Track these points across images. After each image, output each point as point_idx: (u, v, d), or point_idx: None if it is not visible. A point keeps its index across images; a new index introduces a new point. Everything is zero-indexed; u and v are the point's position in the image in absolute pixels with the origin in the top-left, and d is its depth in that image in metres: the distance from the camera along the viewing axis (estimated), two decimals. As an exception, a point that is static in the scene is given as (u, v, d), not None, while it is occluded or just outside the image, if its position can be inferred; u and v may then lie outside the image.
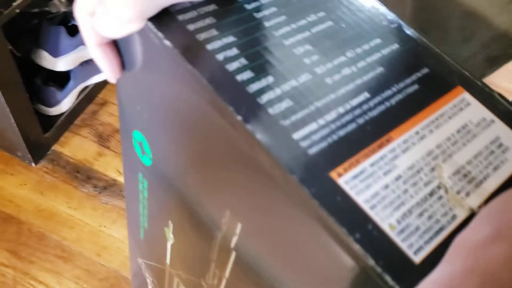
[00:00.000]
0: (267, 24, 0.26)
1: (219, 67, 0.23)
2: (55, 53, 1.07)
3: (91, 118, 1.28)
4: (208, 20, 0.25)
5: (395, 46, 0.27)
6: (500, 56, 0.58)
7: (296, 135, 0.22)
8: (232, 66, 0.24)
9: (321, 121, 0.23)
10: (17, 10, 0.89)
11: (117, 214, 1.14)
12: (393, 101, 0.24)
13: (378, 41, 0.27)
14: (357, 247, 0.19)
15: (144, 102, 0.31)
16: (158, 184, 0.37)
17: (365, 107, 0.23)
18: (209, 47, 0.24)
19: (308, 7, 0.27)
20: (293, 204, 0.21)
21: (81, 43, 1.12)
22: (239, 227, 0.27)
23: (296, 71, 0.24)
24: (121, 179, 1.19)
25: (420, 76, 0.25)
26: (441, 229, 0.20)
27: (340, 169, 0.21)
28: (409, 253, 0.19)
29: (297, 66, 0.24)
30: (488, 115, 0.25)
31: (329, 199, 0.20)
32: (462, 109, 0.25)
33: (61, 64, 1.09)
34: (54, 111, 1.17)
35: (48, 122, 1.17)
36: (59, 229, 1.10)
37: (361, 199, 0.20)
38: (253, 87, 0.23)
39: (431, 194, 0.21)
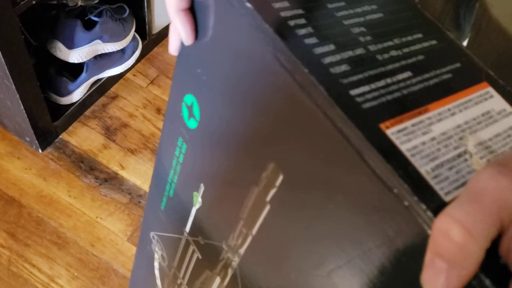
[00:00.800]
0: (329, 5, 0.31)
1: (290, 30, 0.28)
2: (70, 45, 1.10)
3: (101, 111, 1.30)
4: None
5: (434, 42, 0.31)
6: None
7: (353, 92, 0.26)
8: (301, 32, 0.28)
9: (373, 86, 0.26)
10: (34, 1, 0.92)
11: (114, 207, 1.16)
12: (430, 82, 0.28)
13: (420, 35, 0.31)
14: (400, 181, 0.23)
15: (207, 65, 0.35)
16: (199, 147, 0.40)
17: (408, 82, 0.28)
18: (283, 14, 0.29)
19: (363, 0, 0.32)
20: (345, 147, 0.25)
21: (97, 37, 1.15)
22: (280, 179, 0.31)
23: (353, 45, 0.28)
24: (122, 173, 1.21)
25: (453, 68, 0.30)
26: (465, 183, 0.24)
27: (387, 123, 0.25)
28: (441, 193, 0.23)
29: (353, 41, 0.29)
30: (508, 107, 0.29)
31: (378, 144, 0.24)
32: (487, 99, 0.29)
33: (74, 56, 1.12)
34: (65, 100, 1.20)
35: (58, 110, 1.21)
36: (57, 215, 1.13)
37: (404, 148, 0.24)
38: (318, 50, 0.27)
39: (459, 155, 0.25)
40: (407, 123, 0.25)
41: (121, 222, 1.14)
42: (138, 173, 1.22)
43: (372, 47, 0.29)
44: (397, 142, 0.24)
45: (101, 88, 1.30)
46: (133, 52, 1.31)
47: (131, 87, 1.37)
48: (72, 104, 1.23)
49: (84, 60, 1.15)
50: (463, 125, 0.27)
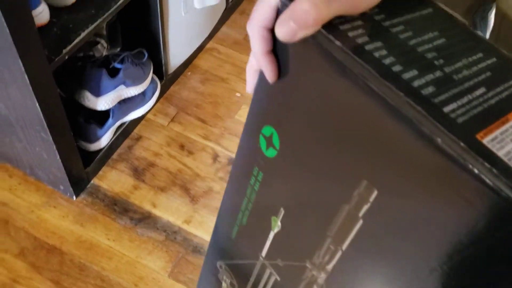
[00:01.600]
0: (401, 36, 0.34)
1: (377, 62, 0.31)
2: (97, 93, 1.15)
3: (127, 153, 1.34)
4: (360, 30, 0.34)
5: (494, 59, 0.35)
6: None
7: (446, 109, 0.29)
8: (386, 61, 0.32)
9: (459, 103, 0.30)
10: (67, 56, 0.96)
11: (152, 245, 1.19)
12: (503, 95, 0.32)
13: (481, 54, 0.35)
14: (504, 181, 0.26)
15: (288, 99, 0.39)
16: (277, 174, 0.43)
17: (485, 97, 0.31)
18: (367, 47, 0.32)
19: (424, 28, 0.36)
20: (444, 162, 0.28)
21: (120, 82, 1.20)
22: (374, 195, 0.34)
23: (431, 68, 0.32)
24: (155, 211, 1.24)
25: None
26: None
27: (481, 133, 0.29)
28: None
29: (430, 65, 0.33)
30: None
31: (481, 152, 0.27)
32: None
33: (101, 103, 1.16)
34: (94, 147, 1.24)
35: (88, 157, 1.24)
36: (99, 259, 1.16)
37: (501, 154, 0.28)
38: (406, 76, 0.31)
39: None
40: (497, 132, 0.29)
41: (161, 259, 1.17)
42: (170, 210, 1.25)
43: (447, 69, 0.32)
44: (494, 149, 0.28)
45: (125, 131, 1.35)
46: (153, 93, 1.36)
47: (153, 127, 1.41)
48: (101, 149, 1.26)
49: (111, 106, 1.19)
50: None
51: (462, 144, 0.27)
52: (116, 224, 1.22)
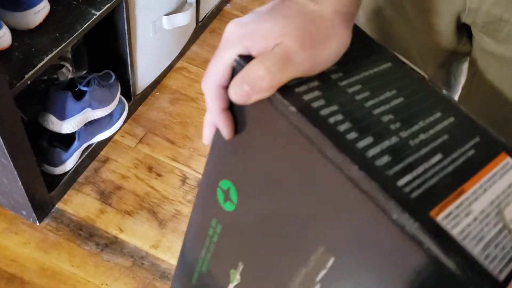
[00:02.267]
0: (357, 97, 0.33)
1: (332, 128, 0.30)
2: (62, 117, 1.12)
3: (94, 176, 1.31)
4: (316, 93, 0.33)
5: (452, 119, 0.34)
6: None
7: (400, 183, 0.28)
8: (341, 128, 0.30)
9: (415, 173, 0.29)
10: (29, 81, 0.94)
11: (118, 271, 1.16)
12: (459, 161, 0.31)
13: (439, 114, 0.34)
14: (462, 267, 0.25)
15: (243, 157, 0.37)
16: (236, 228, 0.42)
17: (441, 165, 0.30)
18: (322, 112, 0.31)
19: (383, 86, 0.35)
20: (399, 237, 0.27)
21: (87, 105, 1.17)
22: (331, 261, 0.33)
23: (387, 134, 0.31)
24: (122, 236, 1.22)
25: (474, 144, 0.33)
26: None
27: (436, 209, 0.27)
28: (495, 273, 0.26)
29: (386, 131, 0.31)
30: None
31: (434, 233, 0.26)
32: (508, 171, 0.32)
33: (66, 127, 1.14)
34: (59, 170, 1.21)
35: (52, 180, 1.21)
36: (62, 287, 1.12)
37: (455, 232, 0.27)
38: (360, 144, 0.30)
39: (500, 232, 0.28)
40: (451, 207, 0.28)
41: (127, 286, 1.14)
42: (137, 235, 1.23)
43: (403, 134, 0.31)
44: (448, 227, 0.27)
45: (92, 153, 1.32)
46: (121, 115, 1.33)
47: (120, 149, 1.38)
48: (66, 173, 1.23)
49: (76, 129, 1.17)
50: (495, 200, 0.30)
51: (415, 224, 0.26)
52: (81, 249, 1.18)
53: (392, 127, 0.32)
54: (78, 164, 1.27)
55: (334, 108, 0.32)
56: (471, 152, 0.32)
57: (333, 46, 0.34)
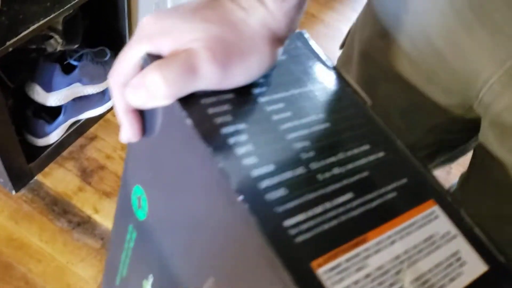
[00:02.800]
0: (274, 117, 0.29)
1: (229, 149, 0.26)
2: (48, 88, 1.10)
3: (78, 152, 1.29)
4: (225, 107, 0.28)
5: (381, 153, 0.29)
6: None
7: (287, 223, 0.24)
8: (241, 150, 0.26)
9: (309, 213, 0.25)
10: (10, 49, 0.92)
11: (86, 252, 1.14)
12: (372, 204, 0.27)
13: (367, 147, 0.29)
14: None
15: (153, 163, 0.34)
16: (147, 239, 0.39)
17: (348, 206, 0.26)
18: (223, 130, 0.27)
19: (310, 108, 0.30)
20: (276, 284, 0.23)
21: (76, 80, 1.15)
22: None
23: (293, 164, 0.27)
24: (96, 217, 1.20)
25: (399, 185, 0.28)
26: None
27: (320, 260, 0.23)
28: None
29: (294, 159, 0.27)
30: (453, 229, 0.27)
31: (306, 285, 0.22)
32: (431, 221, 0.27)
33: (52, 99, 1.12)
34: (42, 142, 1.19)
35: (34, 152, 1.19)
36: (27, 260, 1.11)
37: None
38: (256, 172, 0.26)
39: None
40: (341, 258, 0.24)
41: (93, 268, 1.12)
42: (112, 217, 1.20)
43: (313, 165, 0.27)
44: (328, 283, 0.23)
45: (81, 129, 1.30)
46: (114, 94, 1.31)
47: (111, 128, 1.36)
48: (50, 145, 1.22)
49: (62, 103, 1.15)
50: (402, 255, 0.25)
51: (287, 275, 0.22)
52: (52, 225, 1.17)
53: (303, 156, 0.28)
54: (64, 138, 1.25)
55: (240, 126, 0.28)
56: (392, 194, 0.27)
57: (252, 61, 0.29)
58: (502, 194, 0.48)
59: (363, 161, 0.28)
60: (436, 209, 0.28)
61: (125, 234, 0.43)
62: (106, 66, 1.23)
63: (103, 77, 1.23)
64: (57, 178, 1.24)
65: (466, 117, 0.49)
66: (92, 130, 1.34)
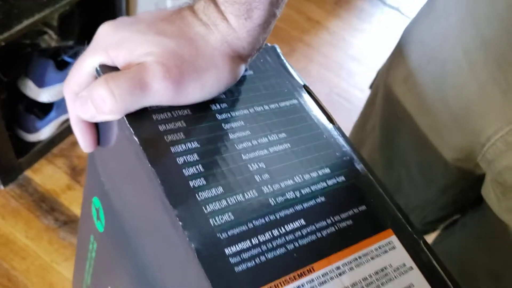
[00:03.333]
0: (231, 136, 0.28)
1: (176, 170, 0.25)
2: (40, 84, 1.09)
3: (69, 149, 1.28)
4: (179, 123, 0.27)
5: (341, 178, 0.28)
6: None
7: (228, 250, 0.23)
8: (189, 171, 0.25)
9: (254, 241, 0.24)
10: (3, 43, 0.90)
11: (71, 252, 1.12)
12: (324, 232, 0.25)
13: (327, 170, 0.28)
14: None
15: (107, 177, 0.33)
16: (105, 251, 0.38)
17: (297, 234, 0.25)
18: (173, 149, 0.26)
19: (272, 126, 0.29)
20: None
21: (70, 77, 1.14)
22: None
23: (245, 186, 0.26)
24: (84, 216, 1.18)
25: (356, 213, 0.27)
26: None
27: None
28: None
29: (247, 182, 0.26)
30: (409, 261, 0.26)
31: None
32: (386, 252, 0.26)
33: (44, 95, 1.10)
34: (32, 138, 1.18)
35: (24, 147, 1.18)
36: (11, 257, 1.09)
37: None
38: (202, 195, 0.25)
39: None
40: None
41: (77, 268, 1.11)
42: (100, 217, 1.19)
43: (266, 189, 0.26)
44: None
45: (73, 126, 1.28)
46: (109, 92, 1.30)
47: (104, 127, 1.35)
48: (40, 141, 1.20)
49: (55, 99, 1.13)
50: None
51: None
52: (39, 222, 1.15)
53: (257, 178, 0.26)
54: (55, 135, 1.23)
55: (191, 145, 0.27)
56: (347, 222, 0.26)
57: (208, 78, 0.28)
58: (495, 250, 0.47)
59: (320, 185, 0.27)
60: (393, 239, 0.27)
61: (87, 244, 0.42)
62: (102, 64, 1.22)
63: (98, 75, 1.22)
64: (46, 175, 1.23)
65: (476, 174, 0.48)
66: (85, 127, 1.33)
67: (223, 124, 0.28)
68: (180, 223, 0.23)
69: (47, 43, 1.05)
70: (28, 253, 1.11)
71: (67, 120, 1.25)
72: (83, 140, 0.32)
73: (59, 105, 1.17)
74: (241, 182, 0.26)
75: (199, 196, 0.25)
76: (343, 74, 1.75)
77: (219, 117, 0.29)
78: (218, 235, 0.23)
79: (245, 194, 0.25)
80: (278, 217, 0.25)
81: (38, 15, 0.95)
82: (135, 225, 0.30)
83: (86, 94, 0.27)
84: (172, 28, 0.28)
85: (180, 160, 0.26)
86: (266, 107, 0.30)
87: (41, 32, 1.04)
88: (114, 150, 0.30)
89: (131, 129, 0.26)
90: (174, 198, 0.24)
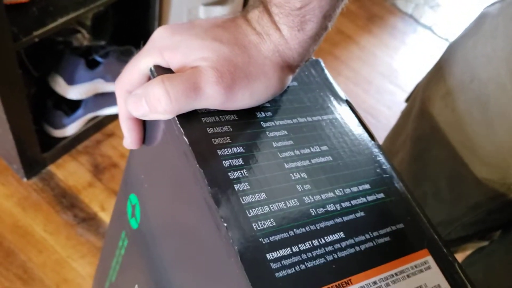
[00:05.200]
0: (275, 144, 0.29)
1: (222, 172, 0.26)
2: (70, 81, 1.11)
3: (94, 147, 1.30)
4: (226, 128, 0.28)
5: (381, 195, 0.29)
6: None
7: (270, 256, 0.23)
8: (234, 175, 0.26)
9: (295, 248, 0.24)
10: (37, 39, 0.92)
11: (87, 249, 1.13)
12: (362, 247, 0.26)
13: (367, 186, 0.28)
14: None
15: (149, 174, 0.34)
16: (136, 249, 0.39)
17: (336, 246, 0.25)
18: (220, 152, 0.27)
19: (314, 138, 0.30)
20: None
21: (98, 76, 1.15)
22: None
23: (287, 194, 0.26)
24: (102, 215, 1.19)
25: (394, 230, 0.27)
26: None
27: None
28: None
29: (289, 190, 0.26)
30: (444, 283, 0.26)
31: None
32: (422, 271, 0.26)
33: (73, 92, 1.12)
34: (58, 133, 1.20)
35: (50, 142, 1.20)
36: (29, 249, 1.11)
37: None
38: (246, 199, 0.25)
39: None
40: None
41: (91, 266, 1.11)
42: (118, 217, 1.20)
43: (307, 199, 0.26)
44: None
45: (99, 124, 1.30)
46: (136, 94, 1.31)
47: (129, 127, 1.36)
48: (66, 137, 1.22)
49: (84, 97, 1.15)
50: None
51: None
52: (59, 217, 1.17)
53: (299, 188, 0.27)
54: (81, 132, 1.25)
55: (237, 149, 0.27)
56: (385, 239, 0.27)
57: (258, 86, 0.29)
58: None
59: (360, 200, 0.28)
60: (429, 259, 0.27)
61: (117, 240, 0.43)
62: (131, 65, 1.23)
63: (127, 76, 1.23)
64: (69, 171, 1.24)
65: (508, 197, 0.48)
66: (110, 127, 1.34)
67: (267, 132, 0.29)
68: (225, 224, 0.24)
69: (79, 42, 1.06)
70: (45, 246, 1.12)
71: (94, 118, 1.27)
72: (130, 137, 0.33)
73: (86, 103, 1.19)
74: (283, 190, 0.26)
75: (243, 200, 0.25)
76: (371, 90, 1.73)
77: (263, 124, 0.29)
78: (260, 239, 0.24)
79: (287, 202, 0.26)
80: (318, 227, 0.25)
81: (73, 14, 0.96)
82: (169, 224, 0.30)
83: (141, 92, 0.28)
84: (227, 35, 0.29)
85: (226, 163, 0.26)
86: (309, 119, 0.31)
87: (74, 31, 1.06)
88: (160, 148, 0.31)
89: (181, 130, 0.27)
90: (219, 199, 0.25)
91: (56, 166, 1.24)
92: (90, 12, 1.01)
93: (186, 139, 0.27)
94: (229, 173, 0.26)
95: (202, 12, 1.29)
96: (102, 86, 1.18)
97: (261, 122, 0.30)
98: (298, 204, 0.26)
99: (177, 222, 0.30)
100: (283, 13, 0.29)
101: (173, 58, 0.29)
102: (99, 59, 1.13)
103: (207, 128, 0.28)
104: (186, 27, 0.30)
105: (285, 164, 0.28)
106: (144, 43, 0.32)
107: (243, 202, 0.25)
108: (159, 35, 0.31)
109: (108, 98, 1.24)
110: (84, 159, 1.27)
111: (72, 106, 1.19)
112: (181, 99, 0.27)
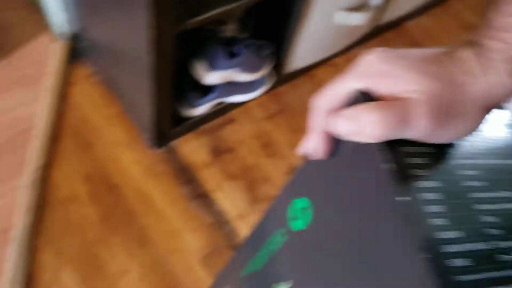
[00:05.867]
0: (465, 183, 0.29)
1: (417, 204, 0.27)
2: (209, 68, 1.18)
3: (215, 130, 1.37)
4: (422, 160, 0.29)
5: None
6: None
7: None
8: (430, 209, 0.27)
9: None
10: (188, 27, 0.99)
11: (198, 224, 1.21)
12: None
13: None
14: None
15: (330, 182, 0.36)
16: (301, 247, 0.41)
17: None
18: (415, 184, 0.28)
19: (506, 183, 0.30)
20: None
21: (235, 66, 1.22)
22: None
23: (481, 236, 0.26)
24: (215, 194, 1.26)
25: None
26: None
27: None
28: None
29: (482, 233, 0.27)
30: None
31: None
32: None
33: (212, 77, 1.19)
34: (189, 112, 1.28)
35: (178, 119, 1.29)
36: (149, 215, 1.21)
37: None
38: (442, 235, 0.26)
39: None
40: None
41: (199, 241, 1.19)
42: (229, 199, 1.27)
43: (501, 244, 0.27)
44: None
45: (223, 109, 1.37)
46: (262, 86, 1.36)
47: (249, 116, 1.42)
48: (193, 117, 1.30)
49: (217, 83, 1.22)
50: None
51: None
52: (177, 189, 1.26)
53: (489, 231, 0.27)
54: (208, 114, 1.33)
55: (431, 184, 0.28)
56: None
57: (462, 125, 0.30)
58: None
59: None
60: None
61: (268, 236, 0.45)
62: (264, 59, 1.28)
63: (258, 68, 1.28)
64: (192, 148, 1.33)
65: None
66: (232, 113, 1.41)
67: (458, 170, 0.29)
68: (421, 254, 0.24)
69: (225, 33, 1.13)
70: (163, 216, 1.21)
71: (219, 104, 1.34)
72: (320, 148, 0.35)
73: (219, 89, 1.26)
74: (476, 231, 0.27)
75: (439, 234, 0.26)
76: None
77: (456, 161, 0.30)
78: (456, 277, 0.24)
79: (482, 244, 0.26)
80: (507, 274, 0.26)
81: (224, 7, 1.02)
82: (357, 232, 0.32)
83: (353, 114, 0.30)
84: (440, 70, 0.30)
85: (421, 196, 0.27)
86: (505, 162, 0.31)
87: (222, 22, 1.13)
88: (349, 162, 0.33)
89: (383, 157, 0.29)
90: (415, 231, 0.25)
91: (180, 142, 1.33)
92: (241, 7, 1.06)
93: (385, 165, 0.28)
94: (424, 206, 0.27)
95: (339, 16, 1.30)
96: (235, 75, 1.24)
97: (454, 159, 0.30)
98: (488, 247, 0.26)
99: (361, 239, 0.31)
100: (505, 59, 0.29)
101: (381, 86, 0.30)
102: (239, 50, 1.19)
103: (405, 157, 0.29)
104: (396, 56, 0.31)
105: (474, 204, 0.28)
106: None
107: (439, 237, 0.26)
108: (368, 62, 0.32)
109: (238, 86, 1.30)
110: (206, 140, 1.35)
111: (205, 90, 1.27)
112: (391, 128, 0.28)
